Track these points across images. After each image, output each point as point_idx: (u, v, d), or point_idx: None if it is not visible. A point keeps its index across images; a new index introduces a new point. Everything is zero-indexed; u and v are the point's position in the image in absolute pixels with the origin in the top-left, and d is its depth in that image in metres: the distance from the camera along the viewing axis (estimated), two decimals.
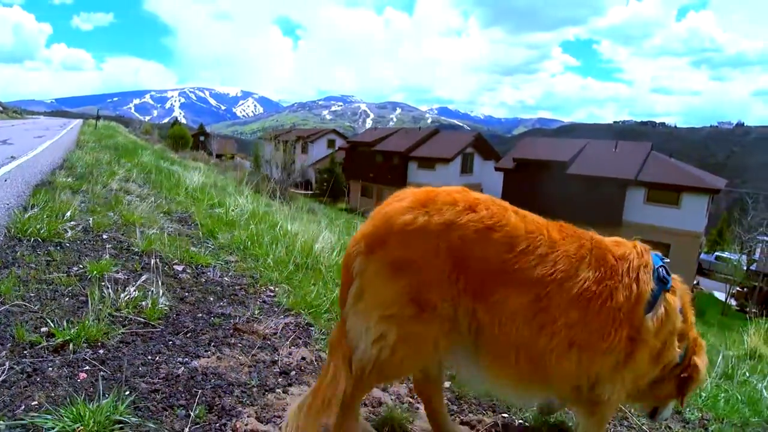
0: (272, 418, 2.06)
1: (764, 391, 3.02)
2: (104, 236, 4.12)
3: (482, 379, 1.88)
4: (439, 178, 38.34)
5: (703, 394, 2.97)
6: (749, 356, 6.55)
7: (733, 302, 33.25)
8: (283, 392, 2.28)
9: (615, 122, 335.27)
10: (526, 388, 1.90)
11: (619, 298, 1.74)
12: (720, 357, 4.31)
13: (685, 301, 1.97)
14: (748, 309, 30.57)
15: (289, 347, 2.73)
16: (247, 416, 2.04)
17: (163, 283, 3.15)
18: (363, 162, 43.77)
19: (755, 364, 5.93)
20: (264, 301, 3.33)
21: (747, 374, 3.99)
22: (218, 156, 54.10)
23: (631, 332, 1.76)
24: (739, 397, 3.00)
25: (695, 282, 32.82)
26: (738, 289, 34.06)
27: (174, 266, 3.67)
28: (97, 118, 34.17)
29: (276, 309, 3.22)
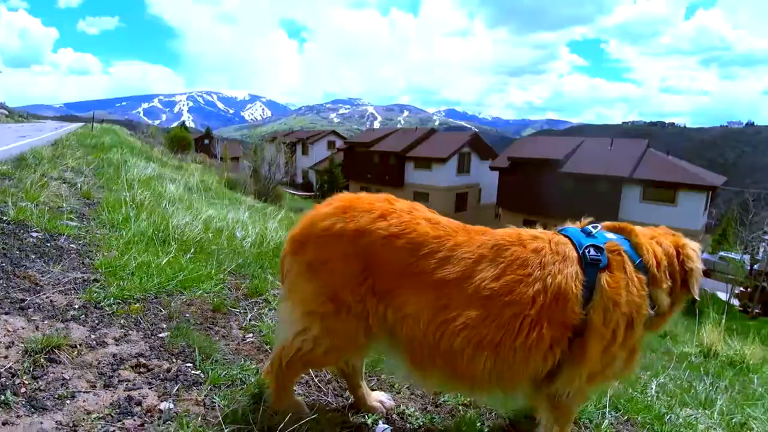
0: None
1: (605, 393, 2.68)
2: None
3: (410, 376, 1.97)
4: (435, 178, 38.16)
5: None
6: (703, 354, 6.25)
7: (736, 303, 32.76)
8: None
9: (624, 123, 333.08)
10: (457, 386, 2.00)
11: (527, 294, 1.70)
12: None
13: (640, 246, 1.86)
14: (750, 309, 30.17)
15: (53, 294, 2.91)
16: None
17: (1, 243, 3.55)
18: (361, 163, 43.67)
19: (701, 362, 5.64)
20: (83, 263, 3.53)
21: (643, 372, 3.70)
22: (221, 159, 54.25)
23: (564, 329, 1.70)
24: None
25: None
26: (741, 289, 33.55)
27: (32, 233, 3.94)
28: (93, 121, 34.45)
29: (85, 268, 3.44)
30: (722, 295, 33.11)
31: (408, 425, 2.24)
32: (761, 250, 34.00)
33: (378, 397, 2.32)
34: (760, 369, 6.03)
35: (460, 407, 2.42)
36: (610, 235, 1.89)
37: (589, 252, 1.78)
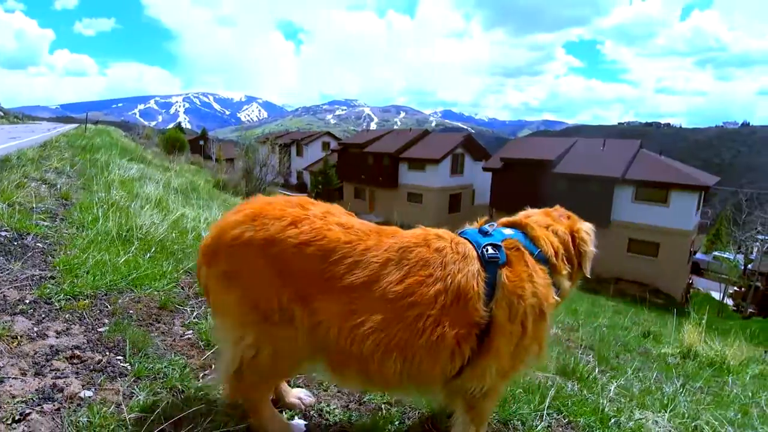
0: None
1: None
2: None
3: (331, 379, 1.99)
4: (429, 179, 38.15)
5: None
6: (682, 355, 6.20)
7: (730, 302, 32.87)
8: None
9: (620, 123, 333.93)
10: (374, 388, 2.06)
11: (428, 294, 1.71)
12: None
13: (537, 239, 1.92)
14: (744, 309, 30.24)
15: (8, 289, 2.97)
16: None
17: None
18: (355, 164, 43.63)
19: (677, 363, 5.60)
20: (45, 261, 3.55)
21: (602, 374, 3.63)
22: (216, 160, 54.14)
23: (468, 327, 1.72)
24: None
25: (689, 281, 32.40)
26: (735, 289, 33.65)
27: (2, 232, 3.94)
28: (87, 122, 34.44)
29: (45, 265, 3.45)
30: (716, 295, 33.21)
31: (324, 422, 2.24)
32: (755, 249, 34.12)
33: (297, 394, 2.30)
34: (744, 370, 5.98)
35: (384, 405, 2.40)
36: (508, 231, 1.94)
37: (486, 251, 1.81)
